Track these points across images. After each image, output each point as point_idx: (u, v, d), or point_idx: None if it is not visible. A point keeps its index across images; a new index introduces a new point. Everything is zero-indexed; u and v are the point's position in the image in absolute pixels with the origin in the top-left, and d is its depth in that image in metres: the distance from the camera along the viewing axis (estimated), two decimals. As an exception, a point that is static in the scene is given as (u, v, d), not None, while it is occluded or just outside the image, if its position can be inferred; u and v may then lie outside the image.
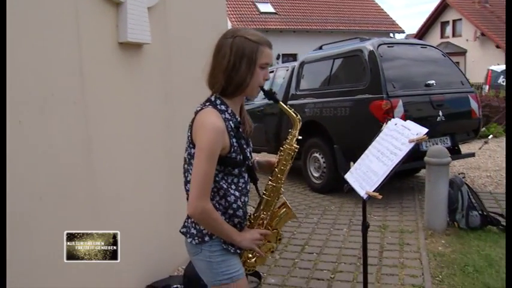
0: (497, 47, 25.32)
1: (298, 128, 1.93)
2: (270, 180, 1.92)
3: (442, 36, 28.57)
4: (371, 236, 4.65)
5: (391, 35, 25.87)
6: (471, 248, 4.14)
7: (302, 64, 6.97)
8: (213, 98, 1.77)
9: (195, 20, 3.96)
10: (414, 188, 6.56)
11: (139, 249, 3.12)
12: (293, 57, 21.48)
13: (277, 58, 23.16)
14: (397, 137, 1.95)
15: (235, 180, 1.77)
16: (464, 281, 3.53)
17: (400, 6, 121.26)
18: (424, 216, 4.82)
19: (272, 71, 7.59)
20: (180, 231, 1.85)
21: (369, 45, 5.75)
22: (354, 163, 2.34)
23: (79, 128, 2.55)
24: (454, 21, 28.47)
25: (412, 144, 1.90)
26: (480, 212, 4.57)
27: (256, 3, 24.47)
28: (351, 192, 2.31)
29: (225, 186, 1.74)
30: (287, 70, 7.35)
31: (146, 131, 3.26)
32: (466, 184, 4.71)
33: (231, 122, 1.74)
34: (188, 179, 1.76)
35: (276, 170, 1.91)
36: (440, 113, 5.55)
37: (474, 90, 6.38)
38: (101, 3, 2.71)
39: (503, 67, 15.03)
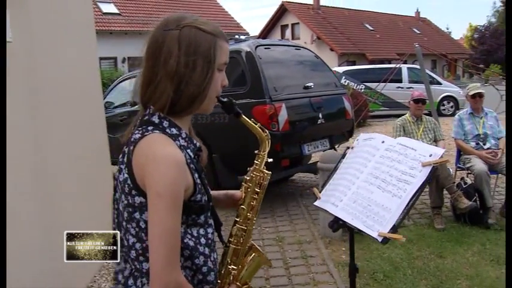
0: (331, 50, 27.69)
1: (268, 148, 1.45)
2: (236, 221, 1.41)
3: (282, 39, 30.18)
4: (271, 252, 4.34)
5: (237, 36, 26.43)
6: (372, 253, 4.08)
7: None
8: (156, 119, 1.19)
9: (57, 13, 3.16)
10: (295, 194, 6.37)
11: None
12: (140, 60, 20.55)
13: (123, 62, 21.90)
14: (400, 159, 1.57)
15: (202, 231, 1.22)
16: (379, 290, 3.42)
17: (237, 10, 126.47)
18: (320, 224, 4.66)
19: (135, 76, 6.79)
20: None
21: (246, 47, 5.41)
22: (320, 189, 1.90)
23: None
24: (292, 24, 30.39)
25: (429, 169, 1.52)
26: (372, 213, 4.58)
27: (99, 3, 22.56)
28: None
29: (191, 244, 1.18)
30: None
31: (9, 149, 2.43)
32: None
33: (188, 151, 1.21)
34: (131, 242, 1.15)
35: (243, 207, 1.41)
36: (320, 115, 5.49)
37: (346, 92, 6.52)
38: None
39: (344, 68, 16.36)
